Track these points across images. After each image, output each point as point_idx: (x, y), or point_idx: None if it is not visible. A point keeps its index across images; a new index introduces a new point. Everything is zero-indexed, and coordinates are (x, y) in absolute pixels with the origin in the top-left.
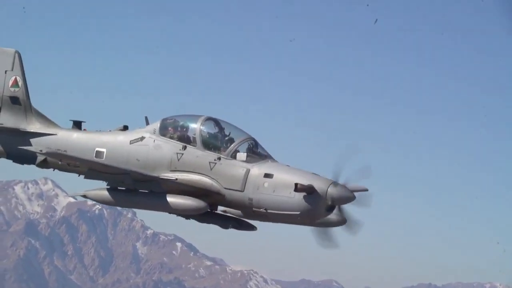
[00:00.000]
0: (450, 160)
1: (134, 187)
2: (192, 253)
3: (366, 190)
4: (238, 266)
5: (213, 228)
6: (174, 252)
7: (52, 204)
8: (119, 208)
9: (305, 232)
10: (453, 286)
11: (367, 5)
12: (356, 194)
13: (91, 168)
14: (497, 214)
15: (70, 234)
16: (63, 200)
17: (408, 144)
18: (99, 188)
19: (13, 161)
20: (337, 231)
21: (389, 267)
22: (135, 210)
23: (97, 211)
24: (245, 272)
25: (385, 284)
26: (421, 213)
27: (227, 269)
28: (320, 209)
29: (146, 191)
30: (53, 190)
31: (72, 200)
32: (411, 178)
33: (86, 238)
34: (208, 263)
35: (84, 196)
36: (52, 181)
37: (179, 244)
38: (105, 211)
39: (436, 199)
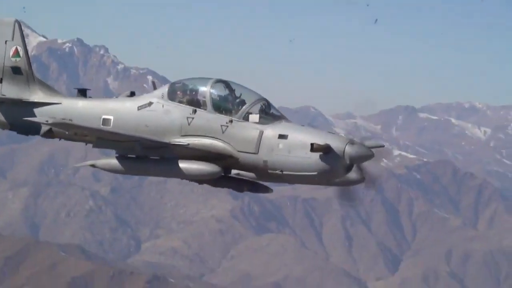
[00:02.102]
0: None
1: (144, 155)
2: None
3: (383, 146)
4: None
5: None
6: (145, 85)
7: None
8: (90, 45)
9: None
10: (431, 107)
11: (367, 5)
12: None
13: (99, 137)
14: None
15: (41, 73)
16: (33, 40)
17: None
18: (109, 156)
19: (17, 133)
20: (357, 188)
21: (368, 91)
22: (107, 46)
23: (67, 49)
24: None
25: (364, 107)
26: (400, 35)
27: None
28: (338, 168)
29: (157, 157)
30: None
31: (42, 39)
32: None
33: (57, 75)
34: None
35: (93, 166)
36: (22, 22)
37: (150, 77)
38: (75, 49)
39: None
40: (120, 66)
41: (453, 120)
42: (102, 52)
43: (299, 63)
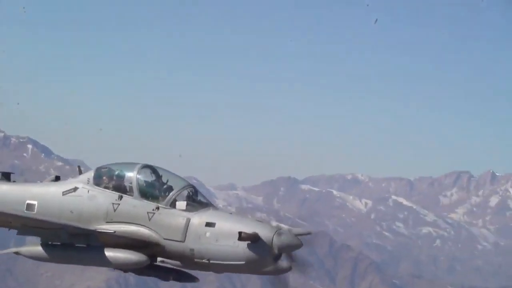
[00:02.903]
0: None
1: (70, 242)
2: (43, 155)
3: (310, 233)
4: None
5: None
6: (25, 154)
7: None
8: None
9: None
10: (314, 179)
11: (367, 5)
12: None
13: (24, 223)
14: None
15: None
16: None
17: None
18: (33, 243)
19: None
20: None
21: (249, 162)
22: None
23: None
24: None
25: (247, 178)
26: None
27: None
28: (266, 258)
29: (83, 245)
30: None
31: None
32: None
33: None
34: (59, 163)
35: (17, 253)
36: None
37: (30, 146)
38: None
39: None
40: (1, 135)
41: (334, 192)
42: None
43: (183, 132)
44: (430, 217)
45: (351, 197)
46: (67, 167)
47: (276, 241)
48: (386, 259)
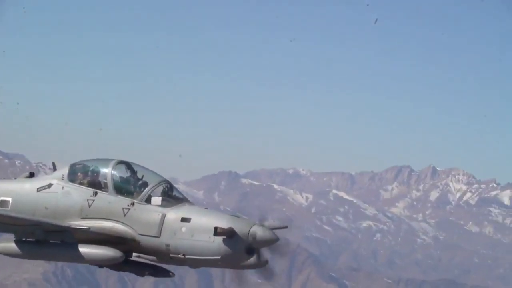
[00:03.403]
0: None
1: (44, 239)
2: None
3: (286, 227)
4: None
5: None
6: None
7: None
8: None
9: None
10: (256, 173)
11: (367, 5)
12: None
13: None
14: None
15: None
16: None
17: None
18: (6, 239)
19: None
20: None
21: (191, 156)
22: None
23: None
24: None
25: (188, 173)
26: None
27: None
28: (241, 252)
29: (57, 241)
30: None
31: None
32: None
33: None
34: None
35: None
36: None
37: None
38: None
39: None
40: None
41: (275, 186)
42: None
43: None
44: (371, 211)
45: (292, 191)
46: (6, 161)
47: (252, 235)
48: (326, 253)
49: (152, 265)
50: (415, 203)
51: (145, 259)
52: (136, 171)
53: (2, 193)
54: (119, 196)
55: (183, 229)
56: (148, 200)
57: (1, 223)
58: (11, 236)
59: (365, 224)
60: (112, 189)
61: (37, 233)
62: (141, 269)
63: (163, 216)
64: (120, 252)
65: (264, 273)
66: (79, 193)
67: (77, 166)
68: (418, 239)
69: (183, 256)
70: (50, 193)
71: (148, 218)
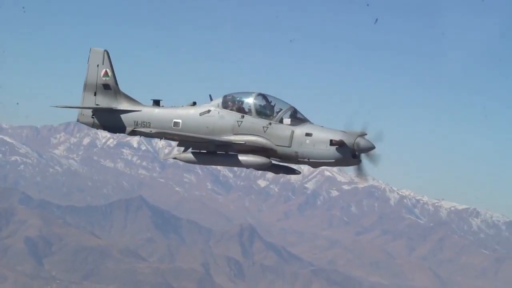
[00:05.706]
0: None
1: (213, 150)
2: None
3: (366, 134)
4: None
5: None
6: None
7: None
8: None
9: None
10: None
11: (367, 5)
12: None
13: (184, 139)
14: None
15: None
16: None
17: None
18: (187, 151)
19: (108, 132)
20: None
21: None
22: None
23: None
24: None
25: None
26: None
27: None
28: (349, 157)
29: (222, 152)
30: None
31: None
32: None
33: None
34: None
35: (175, 159)
36: None
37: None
38: None
39: None
40: None
41: None
42: None
43: None
44: (24, 150)
45: None
46: None
47: (356, 145)
48: None
49: (285, 166)
50: (72, 146)
51: (280, 163)
52: (271, 101)
53: (174, 116)
54: (260, 118)
55: (307, 141)
56: (281, 121)
57: (186, 141)
58: (189, 150)
59: (13, 158)
60: (255, 113)
61: (211, 147)
62: (278, 169)
63: (292, 132)
64: (269, 159)
65: (360, 170)
66: (231, 116)
67: (228, 97)
68: (51, 169)
69: (308, 160)
70: (209, 117)
71: (282, 133)
